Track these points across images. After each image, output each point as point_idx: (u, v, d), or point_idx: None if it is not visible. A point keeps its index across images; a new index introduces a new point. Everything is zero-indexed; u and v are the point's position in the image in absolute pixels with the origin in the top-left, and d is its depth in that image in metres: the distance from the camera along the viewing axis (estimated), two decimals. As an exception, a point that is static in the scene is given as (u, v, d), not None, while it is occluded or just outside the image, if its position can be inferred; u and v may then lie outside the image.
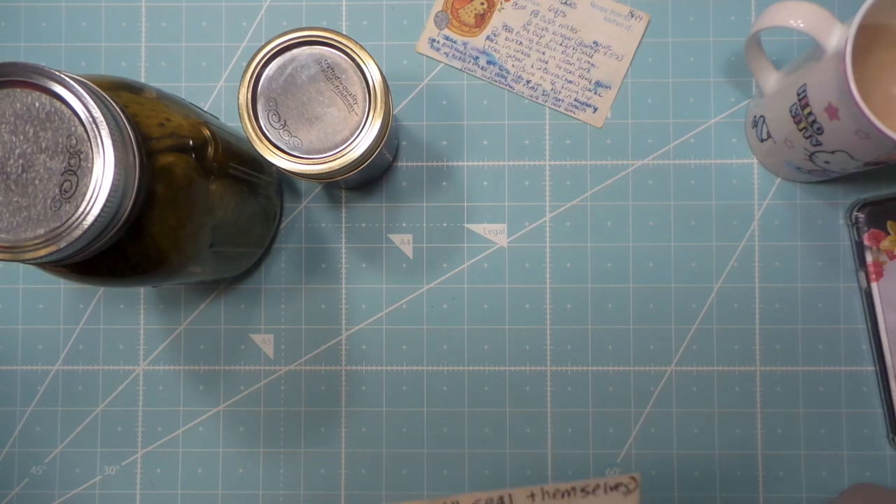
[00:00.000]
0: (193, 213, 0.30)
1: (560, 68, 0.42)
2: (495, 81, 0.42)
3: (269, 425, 0.42)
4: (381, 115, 0.32)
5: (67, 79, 0.25)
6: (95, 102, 0.25)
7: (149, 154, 0.28)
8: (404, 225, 0.42)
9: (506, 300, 0.42)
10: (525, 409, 0.42)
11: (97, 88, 0.25)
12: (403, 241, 0.42)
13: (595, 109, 0.42)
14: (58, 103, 0.25)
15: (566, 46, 0.42)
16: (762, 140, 0.40)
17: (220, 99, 0.43)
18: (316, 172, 0.32)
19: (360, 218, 0.43)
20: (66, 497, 0.42)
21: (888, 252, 0.40)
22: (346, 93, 0.32)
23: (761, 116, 0.39)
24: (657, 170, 0.42)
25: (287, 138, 0.32)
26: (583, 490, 0.21)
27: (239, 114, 0.32)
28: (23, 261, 0.25)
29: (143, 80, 0.43)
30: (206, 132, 0.32)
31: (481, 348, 0.42)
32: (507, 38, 0.42)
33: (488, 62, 0.42)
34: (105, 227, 0.25)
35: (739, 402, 0.41)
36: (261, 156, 0.32)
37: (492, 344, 0.42)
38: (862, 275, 0.40)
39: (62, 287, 0.43)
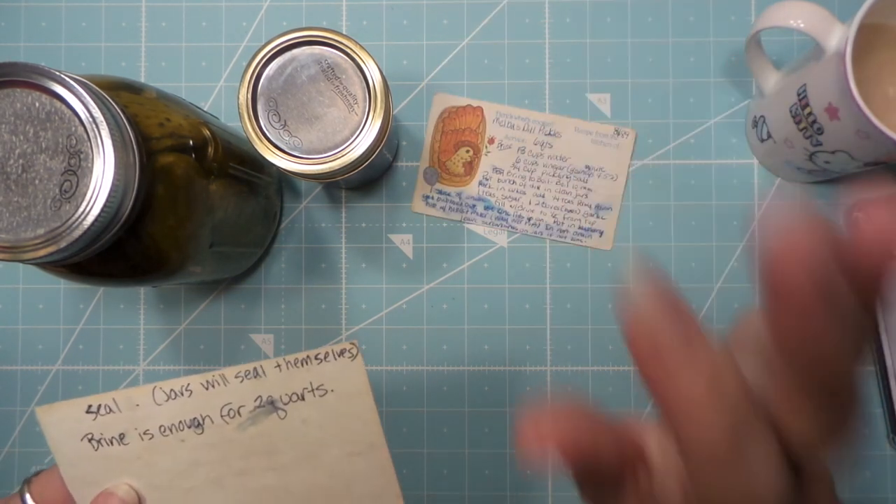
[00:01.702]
0: (193, 214, 0.30)
1: (558, 199, 0.42)
2: (497, 225, 0.42)
3: (269, 425, 0.42)
4: (381, 115, 0.32)
5: (67, 79, 0.25)
6: (95, 102, 0.25)
7: (149, 154, 0.27)
8: (404, 225, 0.42)
9: (506, 300, 0.42)
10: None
11: (97, 88, 0.25)
12: (403, 241, 0.42)
13: (601, 233, 0.42)
14: (58, 103, 0.25)
15: (559, 176, 0.42)
16: (762, 140, 0.40)
17: (220, 99, 0.43)
18: (316, 172, 0.32)
19: (360, 218, 0.43)
20: (66, 497, 0.42)
21: (888, 252, 0.40)
22: (346, 93, 0.32)
23: (761, 116, 0.39)
24: (657, 170, 0.42)
25: (287, 138, 0.32)
26: (316, 358, 0.25)
27: (239, 114, 0.32)
28: (23, 261, 0.25)
29: (143, 80, 0.43)
30: (206, 132, 0.32)
31: (481, 348, 0.42)
32: (499, 180, 0.42)
33: (486, 208, 0.42)
34: (105, 227, 0.25)
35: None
36: (261, 156, 0.32)
37: (492, 344, 0.42)
38: (862, 275, 0.40)
39: (62, 287, 0.43)
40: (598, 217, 0.42)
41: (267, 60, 0.32)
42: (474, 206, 0.42)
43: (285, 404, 0.25)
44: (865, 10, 0.31)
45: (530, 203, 0.42)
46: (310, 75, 0.32)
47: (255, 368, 0.25)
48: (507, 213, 0.42)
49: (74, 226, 0.25)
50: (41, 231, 0.25)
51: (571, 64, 0.42)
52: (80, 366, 0.43)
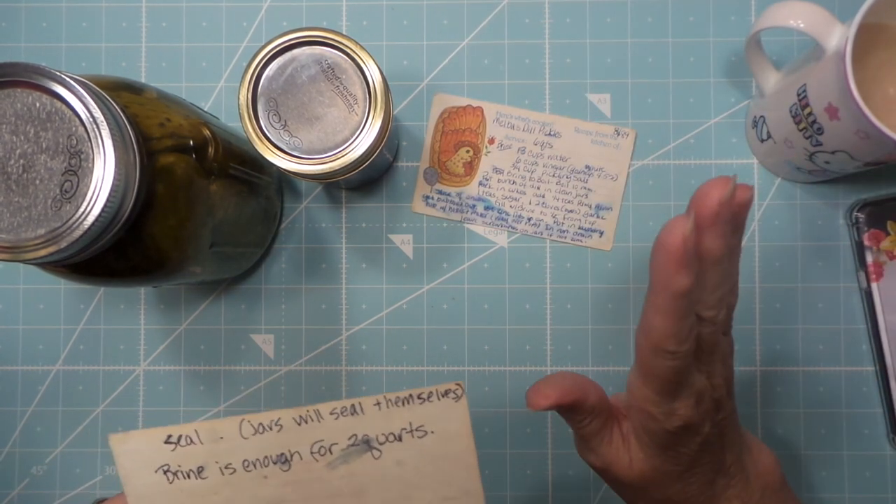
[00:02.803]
0: (194, 214, 0.30)
1: (558, 199, 0.42)
2: (497, 225, 0.42)
3: (270, 425, 0.42)
4: (382, 116, 0.32)
5: (68, 79, 0.25)
6: (96, 103, 0.25)
7: (149, 154, 0.28)
8: (404, 225, 0.42)
9: (506, 300, 0.42)
10: (525, 409, 0.42)
11: (98, 89, 0.25)
12: (403, 241, 0.42)
13: (601, 233, 0.42)
14: (58, 103, 0.25)
15: (559, 176, 0.42)
16: (762, 140, 0.40)
17: (221, 99, 0.43)
18: (316, 172, 0.32)
19: (361, 218, 0.43)
20: (67, 497, 0.42)
21: (888, 252, 0.40)
22: (346, 93, 0.32)
23: (761, 116, 0.39)
24: (657, 170, 0.42)
25: (287, 138, 0.32)
26: (419, 398, 0.24)
27: (239, 114, 0.32)
28: (23, 261, 0.25)
29: (143, 80, 0.43)
30: (207, 132, 0.32)
31: (481, 348, 0.42)
32: (499, 180, 0.42)
33: (486, 208, 0.42)
34: (105, 227, 0.25)
35: (740, 402, 0.41)
36: (261, 156, 0.32)
37: (492, 344, 0.42)
38: (862, 275, 0.40)
39: (63, 287, 0.43)
40: (598, 217, 0.42)
41: (267, 61, 0.32)
42: (474, 206, 0.42)
43: (381, 444, 0.24)
44: (865, 10, 0.31)
45: (530, 203, 0.42)
46: (310, 75, 0.32)
47: (352, 405, 0.24)
48: (507, 214, 0.42)
49: (75, 226, 0.25)
50: (42, 231, 0.25)
51: (571, 64, 0.42)
52: (80, 366, 0.43)
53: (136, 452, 0.23)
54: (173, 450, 0.23)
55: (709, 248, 0.25)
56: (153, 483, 0.23)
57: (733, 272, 0.27)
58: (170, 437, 0.23)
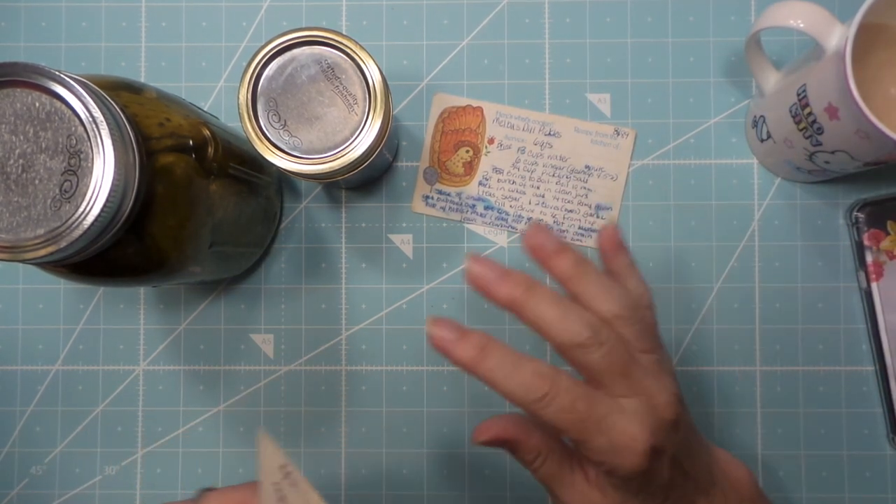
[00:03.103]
0: (193, 213, 0.30)
1: (558, 199, 0.42)
2: (497, 225, 0.42)
3: (270, 425, 0.42)
4: (381, 115, 0.32)
5: (67, 79, 0.25)
6: (95, 102, 0.25)
7: (149, 154, 0.28)
8: (404, 225, 0.42)
9: (506, 300, 0.42)
10: (525, 409, 0.42)
11: (97, 88, 0.25)
12: (403, 241, 0.42)
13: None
14: (58, 103, 0.25)
15: (559, 176, 0.42)
16: (762, 140, 0.40)
17: (220, 99, 0.43)
18: (316, 172, 0.32)
19: (360, 218, 0.43)
20: (66, 497, 0.42)
21: (888, 252, 0.40)
22: (346, 93, 0.32)
23: (761, 116, 0.39)
24: (657, 170, 0.42)
25: (287, 138, 0.32)
26: None
27: (239, 114, 0.32)
28: (23, 261, 0.25)
29: (142, 80, 0.43)
30: (206, 132, 0.32)
31: (481, 348, 0.42)
32: (499, 180, 0.42)
33: (486, 208, 0.42)
34: (105, 226, 0.25)
35: (739, 402, 0.41)
36: (261, 156, 0.32)
37: (492, 344, 0.42)
38: (862, 275, 0.40)
39: (62, 287, 0.43)
40: (598, 217, 0.42)
41: (267, 60, 0.32)
42: (474, 206, 0.42)
43: None
44: (865, 10, 0.31)
45: (530, 203, 0.42)
46: (310, 75, 0.32)
47: None
48: (507, 213, 0.42)
49: (74, 226, 0.25)
50: (41, 231, 0.25)
51: (571, 64, 0.42)
52: (80, 366, 0.43)
53: (269, 456, 0.26)
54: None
55: (499, 296, 0.28)
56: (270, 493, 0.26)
57: (591, 293, 0.29)
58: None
